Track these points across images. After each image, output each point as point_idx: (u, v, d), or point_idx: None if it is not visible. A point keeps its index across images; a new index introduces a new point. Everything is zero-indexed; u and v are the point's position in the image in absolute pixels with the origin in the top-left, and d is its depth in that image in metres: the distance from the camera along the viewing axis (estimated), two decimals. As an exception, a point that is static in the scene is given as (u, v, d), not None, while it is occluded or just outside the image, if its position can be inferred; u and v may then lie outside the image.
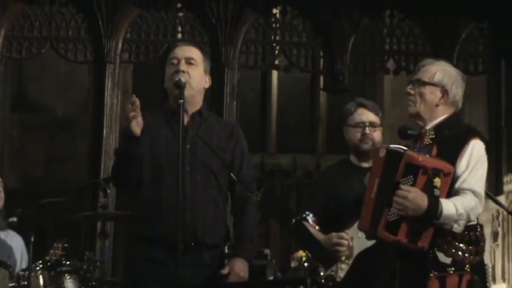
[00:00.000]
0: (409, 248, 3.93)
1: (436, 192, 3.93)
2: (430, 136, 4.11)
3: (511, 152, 9.22)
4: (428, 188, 3.91)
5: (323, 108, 11.82)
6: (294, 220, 4.02)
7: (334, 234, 4.56)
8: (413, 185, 3.91)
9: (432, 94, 4.13)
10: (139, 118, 4.10)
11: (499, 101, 9.29)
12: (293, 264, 7.70)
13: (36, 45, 8.95)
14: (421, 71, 4.20)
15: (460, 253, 3.99)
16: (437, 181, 3.94)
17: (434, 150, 4.01)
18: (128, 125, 4.09)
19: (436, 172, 3.93)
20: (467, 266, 3.99)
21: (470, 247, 4.03)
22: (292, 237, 5.06)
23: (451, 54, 9.01)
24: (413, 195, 3.88)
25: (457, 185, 3.97)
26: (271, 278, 7.50)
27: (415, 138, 4.16)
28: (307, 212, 4.40)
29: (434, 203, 3.89)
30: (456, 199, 3.95)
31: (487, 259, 8.72)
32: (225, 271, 4.26)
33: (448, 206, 3.91)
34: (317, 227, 4.56)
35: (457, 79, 4.19)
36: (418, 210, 3.88)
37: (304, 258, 6.09)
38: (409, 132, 4.21)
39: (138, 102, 4.09)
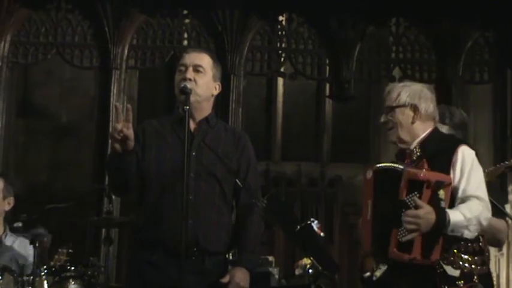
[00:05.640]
0: (420, 264, 3.93)
1: (443, 204, 3.95)
2: (417, 153, 4.12)
3: (517, 162, 9.17)
4: (435, 201, 3.93)
5: (328, 116, 11.79)
6: (298, 227, 4.02)
7: None
8: None
9: (404, 115, 4.16)
10: (130, 131, 4.06)
11: (504, 110, 9.26)
12: (297, 271, 7.67)
13: (42, 51, 8.96)
14: (387, 98, 4.21)
15: (467, 265, 4.00)
16: (442, 193, 3.96)
17: (425, 166, 4.01)
18: (114, 145, 4.08)
19: (439, 184, 3.95)
20: (475, 277, 4.00)
21: (475, 257, 4.04)
22: (297, 244, 5.05)
23: (456, 62, 9.01)
24: (424, 212, 3.89)
25: (459, 194, 4.00)
26: (275, 285, 7.49)
27: (401, 158, 4.18)
28: (311, 219, 4.39)
29: (442, 215, 3.90)
30: (461, 206, 3.97)
31: (491, 268, 8.73)
32: (225, 280, 4.26)
33: (455, 214, 3.93)
34: (322, 234, 4.56)
35: (422, 92, 4.20)
36: (429, 226, 3.88)
37: (308, 266, 6.07)
38: None
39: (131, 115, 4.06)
